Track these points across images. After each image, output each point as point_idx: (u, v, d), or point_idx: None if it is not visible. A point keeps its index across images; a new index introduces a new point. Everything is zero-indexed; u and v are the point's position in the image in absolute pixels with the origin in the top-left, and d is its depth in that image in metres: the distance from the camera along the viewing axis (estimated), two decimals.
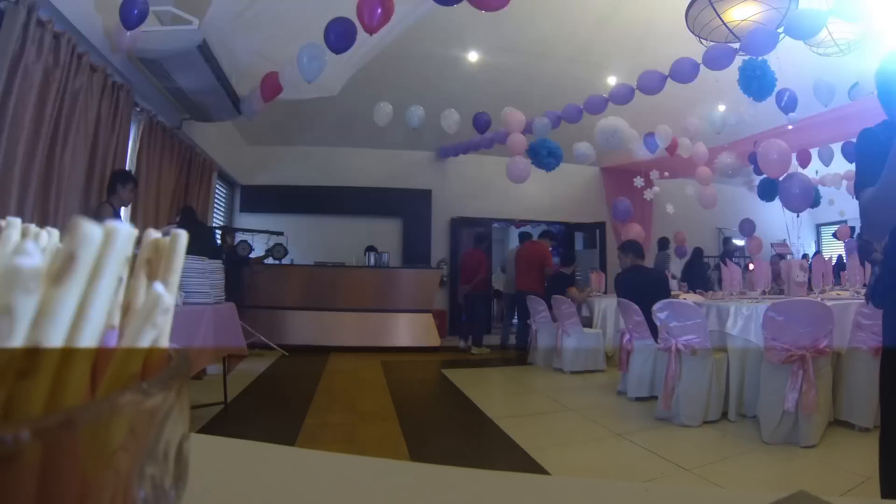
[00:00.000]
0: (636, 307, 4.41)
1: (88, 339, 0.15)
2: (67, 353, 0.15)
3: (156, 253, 0.23)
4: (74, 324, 0.15)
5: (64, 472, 0.15)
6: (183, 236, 0.24)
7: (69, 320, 0.14)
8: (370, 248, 8.99)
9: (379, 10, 4.25)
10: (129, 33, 4.43)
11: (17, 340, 0.13)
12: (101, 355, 0.17)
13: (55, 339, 0.14)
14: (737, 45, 5.07)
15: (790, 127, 6.61)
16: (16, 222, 0.29)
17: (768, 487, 2.59)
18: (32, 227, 0.29)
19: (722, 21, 4.93)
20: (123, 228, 0.15)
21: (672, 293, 4.82)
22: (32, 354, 0.14)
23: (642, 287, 4.58)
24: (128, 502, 0.18)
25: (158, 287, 0.16)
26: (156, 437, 0.19)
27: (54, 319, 0.14)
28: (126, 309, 0.23)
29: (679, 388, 3.74)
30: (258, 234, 7.91)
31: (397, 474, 0.50)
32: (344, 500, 0.44)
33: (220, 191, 8.91)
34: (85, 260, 0.14)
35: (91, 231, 0.14)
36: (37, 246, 0.13)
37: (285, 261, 8.11)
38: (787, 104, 5.91)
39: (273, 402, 4.50)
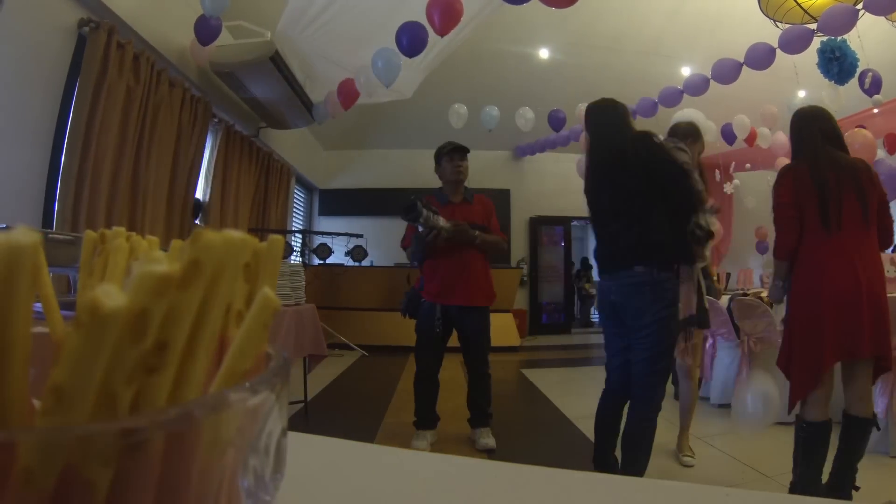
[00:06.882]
0: (720, 305, 4.17)
1: (208, 339, 0.17)
2: (189, 352, 0.16)
3: (254, 257, 0.25)
4: (196, 325, 0.16)
5: (181, 461, 0.17)
6: (280, 242, 0.25)
7: (192, 321, 0.16)
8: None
9: (448, 12, 4.27)
10: (204, 49, 4.64)
11: (149, 339, 0.15)
12: (216, 354, 0.19)
13: (180, 338, 0.16)
14: (813, 26, 4.76)
15: (875, 111, 6.13)
16: (121, 231, 0.31)
17: (854, 497, 2.45)
18: (134, 236, 0.31)
19: (796, 1, 4.70)
20: (238, 236, 0.16)
21: (753, 289, 4.61)
22: (160, 352, 0.15)
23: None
24: (233, 490, 0.19)
25: (268, 291, 0.17)
26: (259, 432, 0.20)
27: (180, 321, 0.15)
28: (226, 310, 0.25)
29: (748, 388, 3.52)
30: (337, 236, 8.06)
31: (474, 472, 0.51)
32: (422, 498, 0.45)
33: (298, 195, 9.17)
34: (207, 266, 0.15)
35: (213, 239, 0.15)
36: (164, 254, 0.14)
37: (365, 262, 8.23)
38: (871, 86, 5.44)
39: (352, 401, 4.58)
